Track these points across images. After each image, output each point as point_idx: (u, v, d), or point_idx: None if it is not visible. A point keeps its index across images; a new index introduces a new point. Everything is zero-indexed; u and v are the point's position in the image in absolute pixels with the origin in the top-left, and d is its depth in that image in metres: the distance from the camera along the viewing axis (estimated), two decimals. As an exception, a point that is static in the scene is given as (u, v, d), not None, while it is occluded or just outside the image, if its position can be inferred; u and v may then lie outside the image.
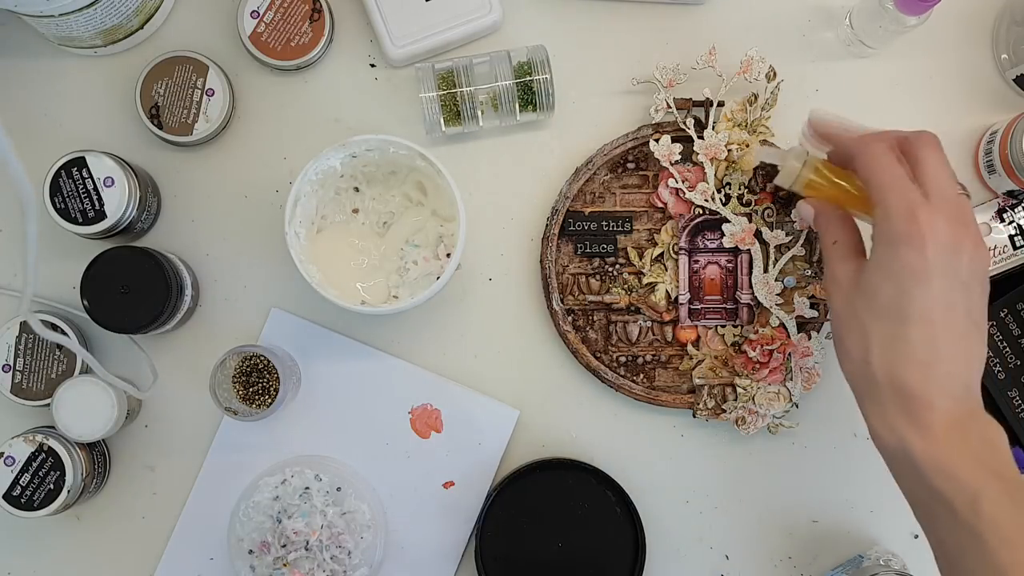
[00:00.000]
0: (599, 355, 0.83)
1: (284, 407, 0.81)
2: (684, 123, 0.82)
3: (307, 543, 0.78)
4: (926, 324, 0.64)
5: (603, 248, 0.83)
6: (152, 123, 0.81)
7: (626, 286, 0.83)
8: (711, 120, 0.82)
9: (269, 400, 0.79)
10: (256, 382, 0.80)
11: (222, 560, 0.82)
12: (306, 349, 0.83)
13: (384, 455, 0.83)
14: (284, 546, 0.78)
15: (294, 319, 0.83)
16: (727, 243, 0.82)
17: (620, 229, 0.83)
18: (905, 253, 0.64)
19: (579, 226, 0.83)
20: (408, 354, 0.84)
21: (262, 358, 0.79)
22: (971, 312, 0.65)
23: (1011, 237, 0.84)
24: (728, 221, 0.82)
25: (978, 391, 0.65)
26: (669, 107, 0.82)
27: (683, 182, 0.82)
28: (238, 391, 0.80)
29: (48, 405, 0.78)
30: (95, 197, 0.76)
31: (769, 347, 0.81)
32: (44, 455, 0.77)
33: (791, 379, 0.82)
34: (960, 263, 0.64)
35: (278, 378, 0.78)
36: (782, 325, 0.82)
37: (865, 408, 0.67)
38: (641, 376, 0.83)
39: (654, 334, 0.84)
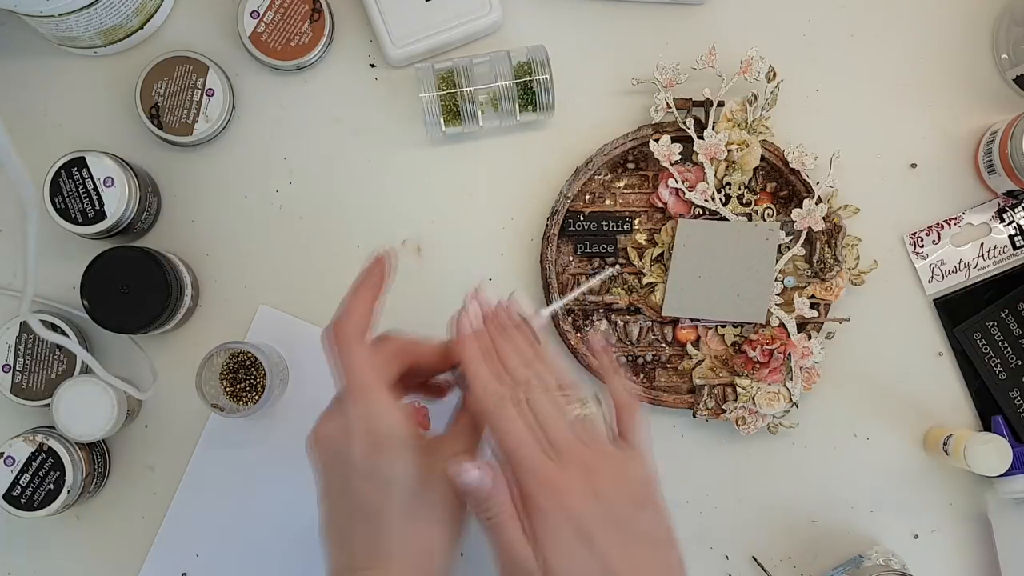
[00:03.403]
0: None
1: (271, 404, 0.81)
2: (684, 123, 0.82)
3: None
4: None
5: (603, 248, 0.83)
6: (152, 123, 0.81)
7: (626, 286, 0.83)
8: (711, 120, 0.82)
9: (256, 397, 0.79)
10: (243, 379, 0.79)
11: (208, 557, 0.82)
12: (294, 346, 0.83)
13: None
14: None
15: (282, 316, 0.83)
16: (727, 243, 0.82)
17: (620, 229, 0.83)
18: None
19: (579, 226, 0.83)
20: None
21: (249, 355, 0.79)
22: None
23: (1011, 237, 0.84)
24: (728, 221, 0.82)
25: None
26: (669, 107, 0.82)
27: (683, 182, 0.82)
28: (225, 388, 0.80)
29: (48, 405, 0.78)
30: (95, 197, 0.76)
31: (769, 347, 0.81)
32: (44, 455, 0.77)
33: (791, 379, 0.82)
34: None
35: (265, 375, 0.78)
36: (782, 325, 0.82)
37: None
38: (641, 376, 0.83)
39: (654, 334, 0.83)
